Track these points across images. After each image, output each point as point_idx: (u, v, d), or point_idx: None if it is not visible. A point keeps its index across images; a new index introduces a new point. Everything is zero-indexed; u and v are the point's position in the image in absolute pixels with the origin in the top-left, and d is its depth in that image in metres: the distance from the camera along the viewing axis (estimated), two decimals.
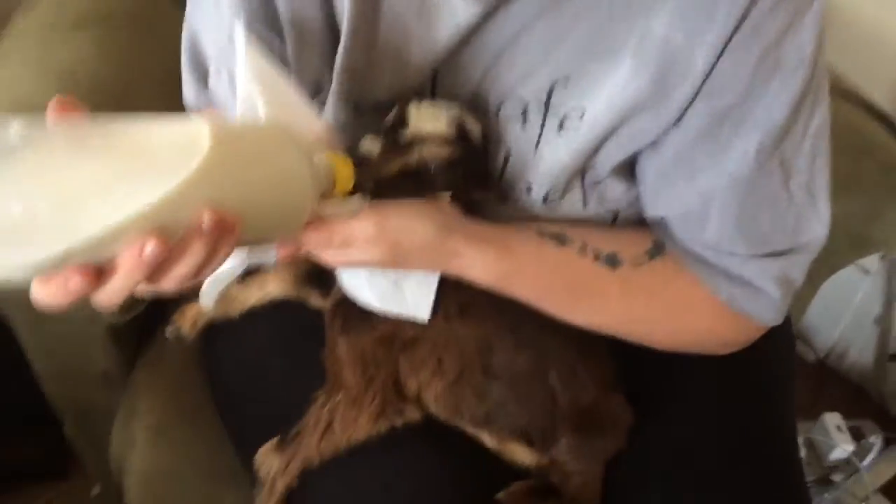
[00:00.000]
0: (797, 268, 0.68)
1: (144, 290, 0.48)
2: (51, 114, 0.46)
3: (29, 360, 0.92)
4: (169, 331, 0.82)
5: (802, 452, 1.40)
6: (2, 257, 0.41)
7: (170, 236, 0.43)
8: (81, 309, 0.82)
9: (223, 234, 0.45)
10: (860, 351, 1.64)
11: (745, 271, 0.67)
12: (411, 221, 0.61)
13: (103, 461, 0.97)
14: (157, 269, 0.45)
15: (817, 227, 0.67)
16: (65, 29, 0.95)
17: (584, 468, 0.69)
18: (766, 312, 0.69)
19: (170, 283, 0.47)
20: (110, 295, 0.45)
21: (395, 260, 0.61)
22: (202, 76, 0.73)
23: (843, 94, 1.08)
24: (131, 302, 0.84)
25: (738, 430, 0.74)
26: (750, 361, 0.75)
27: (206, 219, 0.43)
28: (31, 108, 0.83)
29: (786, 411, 0.80)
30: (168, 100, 0.80)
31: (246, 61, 0.56)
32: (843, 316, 1.63)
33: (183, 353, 0.89)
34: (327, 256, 0.61)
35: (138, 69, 0.94)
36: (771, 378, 0.80)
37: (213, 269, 0.48)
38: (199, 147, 0.45)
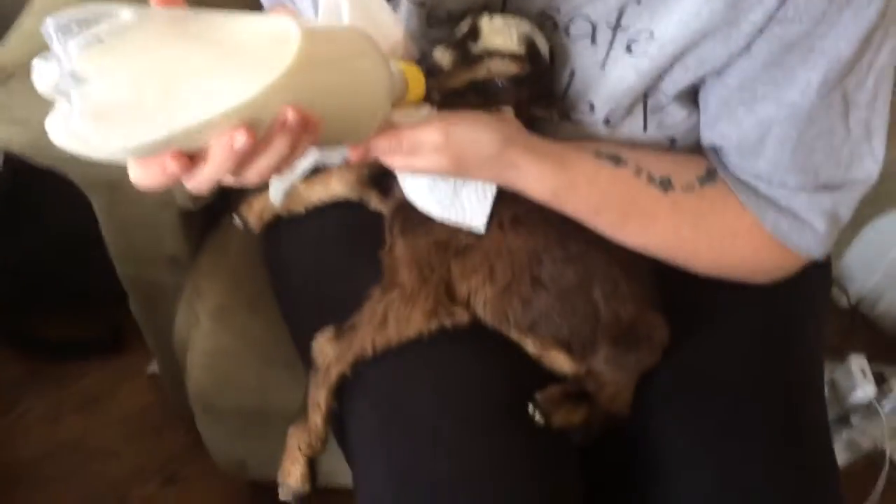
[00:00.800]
0: (845, 204, 0.70)
1: (228, 180, 0.52)
2: (154, 3, 0.49)
3: (105, 240, 0.98)
4: (236, 221, 0.87)
5: (826, 391, 1.43)
6: (106, 136, 0.45)
7: (257, 130, 0.47)
8: (153, 194, 0.88)
9: (304, 132, 0.49)
10: (893, 299, 1.66)
11: (794, 203, 0.70)
12: (476, 132, 0.63)
13: (163, 339, 1.05)
14: (242, 161, 0.49)
15: (871, 164, 0.69)
16: None
17: (619, 379, 0.73)
18: (811, 245, 0.71)
19: (252, 175, 0.51)
20: (200, 181, 0.49)
21: (458, 168, 0.64)
22: None
23: None
24: None
25: (766, 360, 0.77)
26: (787, 293, 0.77)
27: (290, 116, 0.47)
28: None
29: (815, 346, 0.83)
30: None
31: None
32: (881, 263, 1.64)
33: (246, 242, 0.94)
34: (394, 162, 0.64)
35: None
36: (805, 312, 0.83)
37: (292, 165, 0.52)
38: (289, 47, 0.48)
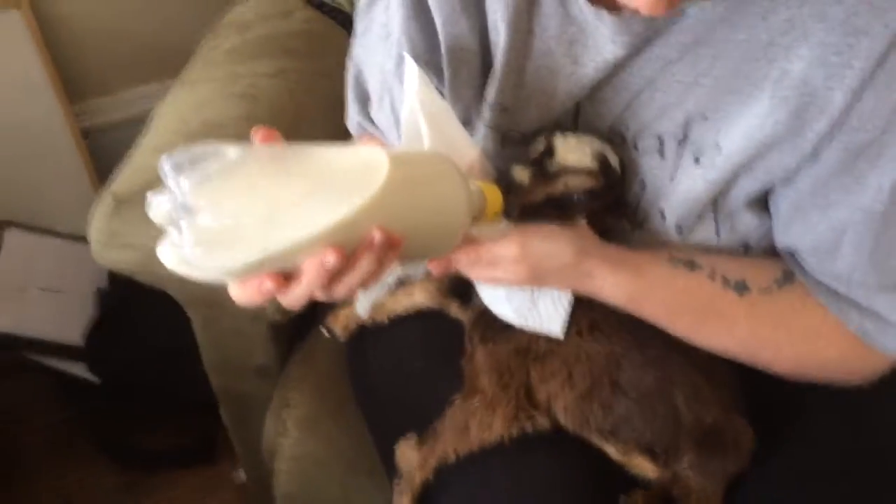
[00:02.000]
0: None
1: (319, 296, 0.56)
2: (255, 139, 0.55)
3: (200, 351, 1.03)
4: (324, 331, 0.91)
5: None
6: (211, 261, 0.49)
7: (346, 249, 0.51)
8: (246, 308, 0.93)
9: (389, 251, 0.53)
10: None
11: (876, 304, 0.69)
12: (552, 244, 0.66)
13: (251, 447, 1.08)
14: (332, 278, 0.53)
15: None
16: (245, 56, 1.07)
17: (706, 485, 0.71)
18: None
19: (341, 290, 0.55)
20: (294, 298, 0.54)
21: (535, 279, 0.67)
22: (364, 104, 0.82)
23: None
24: None
25: (861, 461, 0.75)
26: (878, 392, 0.76)
27: (378, 237, 0.51)
28: (219, 127, 0.95)
29: None
30: (334, 123, 0.90)
31: (414, 88, 0.64)
32: None
33: (332, 352, 0.97)
34: (474, 274, 0.67)
35: (309, 94, 1.05)
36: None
37: (377, 281, 0.56)
38: (377, 173, 0.52)
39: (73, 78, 1.57)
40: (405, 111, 0.67)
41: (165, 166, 0.49)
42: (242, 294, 0.53)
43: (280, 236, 0.50)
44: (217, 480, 1.44)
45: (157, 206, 0.51)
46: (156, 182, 0.50)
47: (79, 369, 1.44)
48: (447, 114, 0.66)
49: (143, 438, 1.47)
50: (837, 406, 0.77)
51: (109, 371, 1.44)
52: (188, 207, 0.48)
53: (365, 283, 0.55)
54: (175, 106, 1.02)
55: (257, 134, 0.55)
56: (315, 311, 1.02)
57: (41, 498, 1.41)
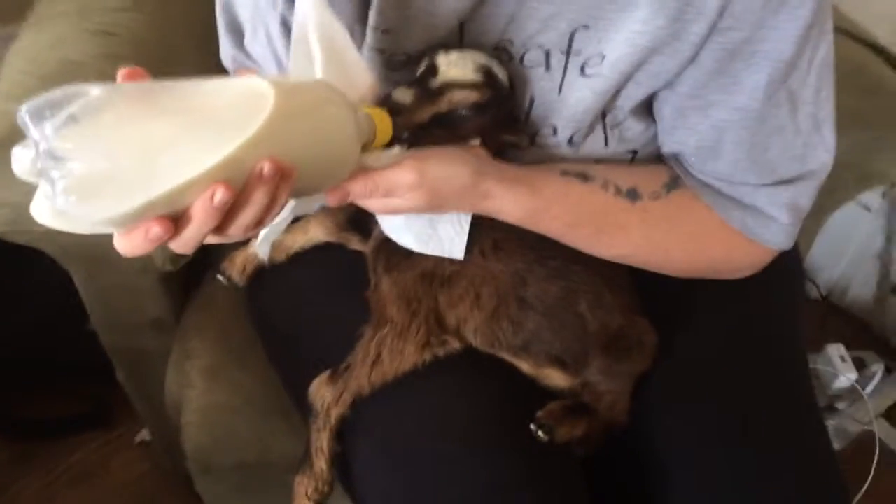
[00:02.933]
0: (805, 194, 0.74)
1: (212, 239, 0.53)
2: (121, 80, 0.51)
3: (87, 311, 0.97)
4: (219, 277, 0.88)
5: None
6: (89, 210, 0.46)
7: (235, 185, 0.49)
8: (132, 261, 0.89)
9: (281, 182, 0.50)
10: (862, 286, 1.70)
11: (757, 200, 0.73)
12: (447, 167, 0.65)
13: (153, 405, 1.04)
14: (225, 217, 0.50)
15: (823, 154, 0.72)
16: None
17: (614, 388, 0.75)
18: (778, 237, 0.74)
19: (236, 230, 0.52)
20: (186, 242, 0.50)
21: (435, 204, 0.66)
22: (238, 35, 0.77)
23: (847, 33, 1.12)
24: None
25: (752, 353, 0.80)
26: (763, 285, 0.80)
27: (267, 168, 0.49)
28: (78, 66, 0.88)
29: (797, 331, 0.86)
30: (206, 57, 0.85)
31: (309, 10, 0.60)
32: (846, 253, 1.69)
33: (230, 297, 0.94)
34: (371, 205, 0.66)
35: (175, 27, 0.98)
36: (782, 300, 0.86)
37: (272, 217, 0.53)
38: (262, 105, 0.49)
39: None
40: (295, 34, 0.63)
41: (25, 116, 0.44)
42: (128, 244, 0.49)
43: (163, 178, 0.47)
44: (117, 443, 1.39)
45: (21, 160, 0.47)
46: (15, 132, 0.45)
47: None
48: (343, 38, 0.63)
49: (33, 407, 1.40)
50: (727, 299, 0.82)
51: None
52: (55, 155, 0.44)
53: (260, 220, 0.53)
54: (25, 48, 0.93)
55: (122, 73, 0.51)
56: (208, 257, 0.98)
57: None
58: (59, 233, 0.84)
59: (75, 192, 0.45)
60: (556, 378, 0.76)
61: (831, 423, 1.44)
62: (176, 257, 0.90)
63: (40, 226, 0.83)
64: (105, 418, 1.40)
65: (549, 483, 0.71)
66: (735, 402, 0.76)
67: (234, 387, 0.92)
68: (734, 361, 0.79)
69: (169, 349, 0.98)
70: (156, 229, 0.47)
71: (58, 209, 0.45)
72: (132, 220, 0.47)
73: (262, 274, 0.88)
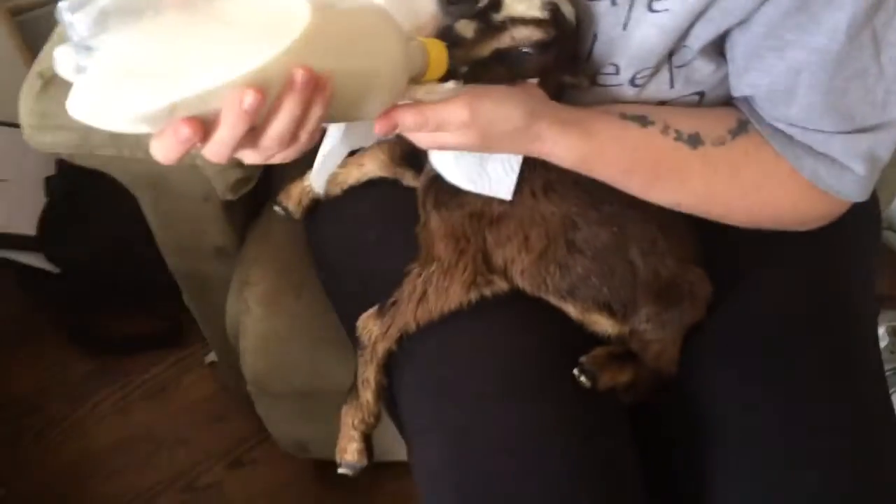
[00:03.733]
0: (885, 145, 0.69)
1: (252, 157, 0.53)
2: None
3: (154, 235, 1.01)
4: (276, 208, 0.89)
5: (886, 340, 1.40)
6: (120, 105, 0.46)
7: (268, 95, 0.48)
8: (195, 188, 0.90)
9: (316, 93, 0.49)
10: None
11: (831, 148, 0.68)
12: (501, 107, 0.63)
13: (218, 328, 1.08)
14: (256, 124, 0.49)
15: None
16: None
17: (663, 337, 0.73)
18: (852, 189, 0.70)
19: (269, 142, 0.51)
20: (217, 147, 0.50)
21: (485, 144, 0.64)
22: None
23: None
24: (243, 179, 0.91)
25: (812, 311, 0.77)
26: (831, 239, 0.76)
27: (300, 76, 0.48)
28: None
29: (865, 289, 0.82)
30: None
31: None
32: None
33: (289, 228, 0.96)
34: (421, 140, 0.65)
35: None
36: (851, 258, 0.82)
37: (310, 132, 0.52)
38: (299, 20, 0.49)
39: None
40: None
41: (62, 12, 0.45)
42: (160, 147, 0.49)
43: (193, 80, 0.47)
44: (189, 361, 1.45)
45: (62, 60, 0.47)
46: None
47: (36, 260, 1.41)
48: None
49: (111, 324, 1.47)
50: (791, 253, 0.78)
51: (67, 259, 1.41)
52: (89, 46, 0.45)
53: (294, 134, 0.52)
54: None
55: None
56: (269, 188, 1.00)
57: (13, 388, 1.42)
58: (126, 159, 0.88)
59: (105, 85, 0.45)
60: (602, 324, 0.75)
61: None
62: (236, 185, 0.92)
63: (106, 150, 0.86)
64: (178, 338, 1.46)
65: (592, 430, 0.70)
66: (789, 362, 0.73)
67: (289, 315, 0.94)
68: (793, 319, 0.76)
69: (231, 276, 1.01)
70: (184, 129, 0.47)
71: (91, 103, 0.46)
72: (161, 118, 0.47)
73: (319, 207, 0.89)
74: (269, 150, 0.52)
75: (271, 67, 0.48)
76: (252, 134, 0.50)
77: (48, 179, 1.44)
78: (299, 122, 0.51)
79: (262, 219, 1.01)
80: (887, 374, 1.38)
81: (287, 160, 0.55)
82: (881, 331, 1.38)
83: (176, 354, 1.46)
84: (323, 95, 0.50)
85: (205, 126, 0.48)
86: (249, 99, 0.47)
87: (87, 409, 1.40)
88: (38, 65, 0.86)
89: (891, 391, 1.35)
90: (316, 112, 0.51)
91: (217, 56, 0.47)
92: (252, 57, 0.47)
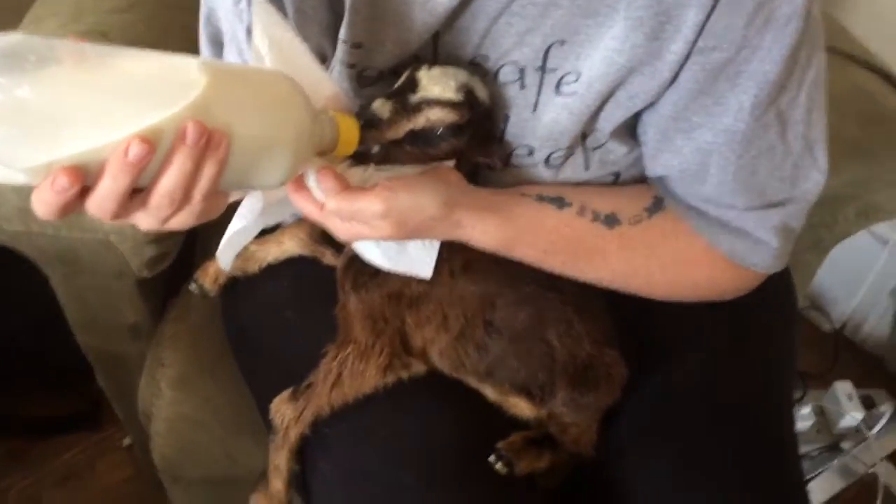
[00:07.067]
0: (796, 216, 0.71)
1: (145, 221, 0.51)
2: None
3: (64, 312, 0.97)
4: (192, 286, 0.87)
5: (812, 420, 1.42)
6: (6, 156, 0.45)
7: (157, 149, 0.47)
8: (108, 264, 0.87)
9: (209, 150, 0.48)
10: (877, 321, 1.65)
11: (745, 223, 0.70)
12: (417, 198, 0.63)
13: (133, 410, 1.03)
14: (143, 182, 0.48)
15: (815, 175, 0.69)
16: None
17: (580, 420, 0.72)
18: (768, 261, 0.71)
19: (160, 199, 0.49)
20: (101, 201, 0.48)
21: (402, 233, 0.64)
22: (219, 48, 0.76)
23: (855, 59, 1.07)
24: (158, 256, 0.89)
25: (730, 381, 0.77)
26: (749, 309, 0.77)
27: (191, 129, 0.47)
28: None
29: (785, 361, 0.82)
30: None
31: (258, 21, 0.59)
32: (860, 286, 1.63)
33: (207, 307, 0.93)
34: (339, 230, 0.64)
35: (170, 31, 0.98)
36: (769, 326, 0.83)
37: (204, 193, 0.50)
38: (196, 82, 0.48)
39: None
40: (253, 48, 0.62)
41: None
42: (38, 200, 0.47)
43: (73, 140, 0.46)
44: (106, 444, 1.39)
45: None
46: None
47: None
48: (299, 50, 0.61)
49: (23, 405, 1.40)
50: (706, 327, 0.79)
51: None
52: None
53: (187, 193, 0.49)
54: None
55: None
56: (188, 266, 0.97)
57: None
58: (34, 233, 0.85)
59: None
60: (521, 407, 0.73)
61: (836, 463, 1.39)
62: (152, 262, 0.89)
63: (12, 224, 0.83)
64: (94, 420, 1.40)
65: None
66: (704, 443, 0.72)
67: (202, 399, 0.90)
68: (711, 396, 0.76)
69: (146, 356, 0.97)
70: (61, 179, 0.45)
71: None
72: (42, 172, 0.46)
73: (236, 285, 0.86)
74: (160, 210, 0.50)
75: (163, 125, 0.47)
76: (142, 195, 0.49)
77: None
78: (191, 180, 0.49)
79: (180, 298, 0.98)
80: (813, 454, 1.40)
81: (184, 227, 0.53)
82: (807, 410, 1.39)
83: (91, 438, 1.40)
84: (217, 153, 0.49)
85: (85, 178, 0.47)
86: (135, 150, 0.45)
87: None
88: None
89: (818, 471, 1.36)
90: (209, 170, 0.49)
91: (106, 112, 0.46)
92: (144, 115, 0.46)
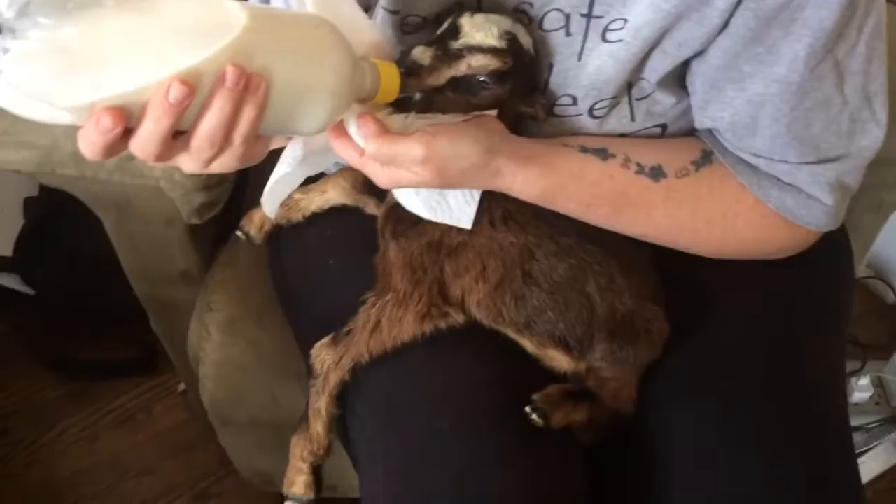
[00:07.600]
0: (852, 173, 0.68)
1: (188, 163, 0.52)
2: None
3: (119, 259, 1.00)
4: (238, 233, 0.88)
5: (871, 391, 1.38)
6: (41, 91, 0.45)
7: (198, 92, 0.47)
8: (159, 210, 0.89)
9: (248, 93, 0.48)
10: None
11: (797, 178, 0.67)
12: (458, 145, 0.62)
13: (185, 357, 1.06)
14: (186, 123, 0.48)
15: (874, 130, 0.66)
16: None
17: (619, 375, 0.71)
18: (820, 219, 0.69)
19: (200, 141, 0.49)
20: (143, 143, 0.48)
21: (442, 181, 0.63)
22: None
23: None
24: (208, 203, 0.90)
25: (776, 343, 0.75)
26: (800, 270, 0.75)
27: (230, 72, 0.47)
28: None
29: (836, 325, 0.80)
30: None
31: None
32: None
33: (255, 254, 0.94)
34: (379, 177, 0.64)
35: None
36: (822, 288, 0.80)
37: (245, 136, 0.51)
38: (236, 23, 0.48)
39: None
40: None
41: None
42: (83, 139, 0.48)
43: (122, 76, 0.46)
44: (161, 389, 1.43)
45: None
46: None
47: (11, 281, 1.40)
48: None
49: (84, 349, 1.45)
50: (753, 286, 0.77)
51: (43, 282, 1.40)
52: (13, 29, 0.44)
53: (227, 135, 0.50)
54: None
55: None
56: (238, 213, 0.98)
57: None
58: (88, 178, 0.87)
59: (29, 73, 0.44)
60: (559, 360, 0.73)
61: (892, 436, 1.35)
62: (201, 209, 0.91)
63: (67, 169, 0.85)
64: (151, 365, 1.44)
65: (541, 469, 0.68)
66: (745, 403, 0.71)
67: (249, 343, 0.92)
68: (755, 356, 0.74)
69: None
70: (104, 119, 0.46)
71: (13, 89, 0.45)
72: (85, 111, 0.46)
73: (281, 233, 0.88)
74: (202, 153, 0.51)
75: (203, 67, 0.47)
76: (185, 137, 0.49)
77: (27, 201, 1.44)
78: (231, 123, 0.49)
79: (229, 244, 0.99)
80: (871, 426, 1.36)
81: (227, 169, 0.54)
82: (865, 381, 1.35)
83: (148, 382, 1.44)
84: (256, 96, 0.49)
85: (128, 118, 0.47)
86: (176, 92, 0.46)
87: (53, 434, 1.37)
88: None
89: (874, 444, 1.33)
90: (249, 113, 0.49)
91: (147, 53, 0.47)
92: (183, 56, 0.47)
